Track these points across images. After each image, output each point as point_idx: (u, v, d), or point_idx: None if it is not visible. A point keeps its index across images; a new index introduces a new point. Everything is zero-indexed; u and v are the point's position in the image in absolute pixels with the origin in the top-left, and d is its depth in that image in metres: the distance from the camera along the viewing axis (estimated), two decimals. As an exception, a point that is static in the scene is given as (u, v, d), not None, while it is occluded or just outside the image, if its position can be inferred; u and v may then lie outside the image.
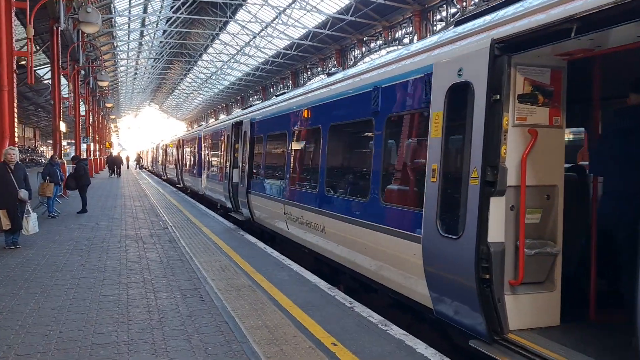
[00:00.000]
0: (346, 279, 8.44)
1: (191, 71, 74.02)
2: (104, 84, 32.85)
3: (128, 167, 59.65)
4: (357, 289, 7.94)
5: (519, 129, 4.76)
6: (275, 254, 10.24)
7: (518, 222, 4.76)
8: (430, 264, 5.43)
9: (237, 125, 15.76)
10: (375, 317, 6.27)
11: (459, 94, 5.10)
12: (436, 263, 5.32)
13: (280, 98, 11.82)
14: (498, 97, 4.68)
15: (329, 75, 9.87)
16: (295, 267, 9.06)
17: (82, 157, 19.14)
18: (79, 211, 17.42)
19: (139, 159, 66.51)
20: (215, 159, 19.43)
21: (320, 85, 9.24)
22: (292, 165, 10.37)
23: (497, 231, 4.72)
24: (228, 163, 16.17)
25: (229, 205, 16.35)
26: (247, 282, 8.00)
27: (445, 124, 5.30)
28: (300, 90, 10.44)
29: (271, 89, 63.56)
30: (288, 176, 10.37)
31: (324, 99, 8.69)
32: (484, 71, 4.70)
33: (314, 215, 8.79)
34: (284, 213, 10.49)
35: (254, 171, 13.37)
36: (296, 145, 10.46)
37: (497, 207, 4.71)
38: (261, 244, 11.31)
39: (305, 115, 9.40)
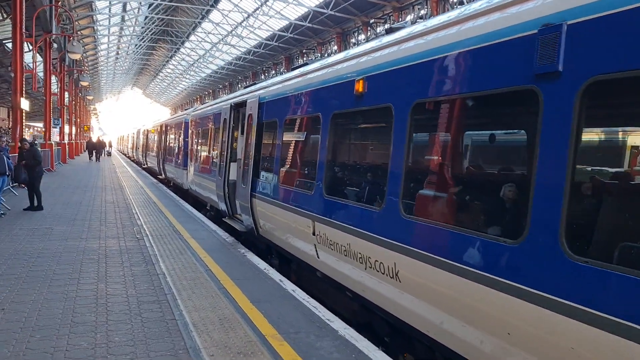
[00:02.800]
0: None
1: (177, 54, 70.00)
2: (76, 56, 28.89)
3: (110, 155, 55.16)
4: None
5: None
6: (305, 297, 6.87)
7: None
8: None
9: (238, 107, 12.32)
10: None
11: None
12: None
13: (306, 69, 8.42)
14: None
15: (390, 31, 6.51)
16: (348, 331, 5.71)
17: (32, 141, 15.48)
18: (27, 208, 13.97)
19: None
20: (207, 149, 15.95)
21: (388, 42, 5.88)
22: (329, 164, 7.03)
23: None
24: (224, 155, 12.73)
25: (222, 207, 12.94)
26: (271, 367, 4.68)
27: None
28: (346, 54, 7.06)
29: (262, 75, 59.93)
30: (322, 180, 7.01)
31: (404, 62, 5.33)
32: None
33: (378, 249, 5.50)
34: (313, 233, 7.16)
35: (263, 168, 9.97)
36: (339, 135, 7.14)
37: None
38: (276, 275, 7.94)
39: (360, 90, 6.06)
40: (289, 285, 7.39)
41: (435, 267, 4.58)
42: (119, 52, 70.16)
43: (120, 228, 11.73)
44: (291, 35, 44.94)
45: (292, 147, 8.69)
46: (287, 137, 8.70)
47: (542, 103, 3.61)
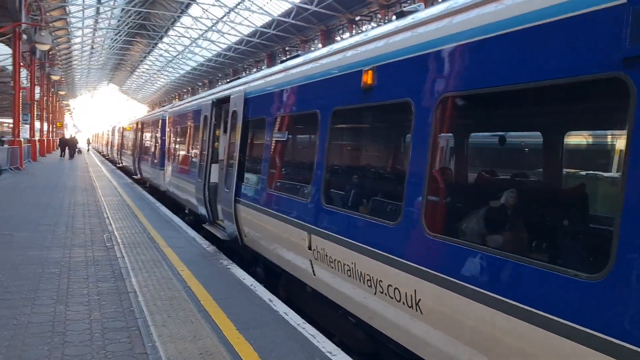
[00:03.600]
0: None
1: (155, 49, 68.37)
2: (45, 47, 27.37)
3: (88, 150, 53.16)
4: None
5: None
6: (300, 322, 5.91)
7: None
8: None
9: (220, 103, 11.31)
10: None
11: None
12: None
13: (301, 59, 7.45)
14: None
15: (400, 16, 5.58)
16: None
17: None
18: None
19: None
20: (185, 148, 14.88)
21: (406, 25, 4.95)
22: (329, 168, 6.10)
23: None
24: (204, 156, 11.70)
25: (202, 212, 11.91)
26: None
27: None
28: (351, 41, 6.09)
29: (243, 73, 58.71)
30: (321, 187, 6.07)
31: (430, 47, 4.39)
32: None
33: (392, 272, 4.59)
34: (309, 247, 6.23)
35: (248, 171, 9.00)
36: (341, 135, 6.23)
37: None
38: (264, 294, 6.97)
39: (369, 82, 5.13)
40: (280, 307, 6.44)
41: (469, 299, 3.70)
42: (94, 47, 68.20)
43: (88, 235, 10.63)
44: (274, 32, 43.88)
45: (283, 148, 7.74)
46: (278, 136, 7.73)
47: (635, 94, 2.73)
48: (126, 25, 55.65)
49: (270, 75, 8.43)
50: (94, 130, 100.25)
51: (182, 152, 15.28)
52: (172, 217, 13.74)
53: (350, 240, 5.30)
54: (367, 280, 5.01)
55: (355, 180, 5.99)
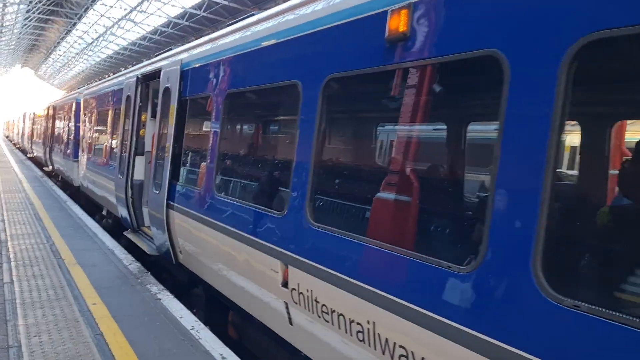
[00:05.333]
0: None
1: (73, 30, 63.21)
2: None
3: None
4: None
5: None
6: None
7: None
8: None
9: (147, 80, 9.00)
10: None
11: None
12: None
13: (272, 11, 5.29)
14: None
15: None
16: None
17: None
18: None
19: None
20: (103, 137, 12.36)
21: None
22: (320, 166, 4.07)
23: None
24: (126, 146, 9.37)
25: (123, 214, 9.59)
26: None
27: None
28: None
29: (171, 58, 55.18)
30: (307, 195, 4.04)
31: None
32: None
33: (455, 350, 2.71)
34: (285, 285, 4.23)
35: (187, 167, 6.86)
36: (344, 116, 4.29)
37: None
38: (214, 345, 4.91)
39: (402, 29, 3.17)
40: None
41: None
42: (3, 25, 62.08)
43: (-31, 249, 8.12)
44: (204, 14, 40.93)
45: (241, 138, 5.68)
46: (232, 120, 5.63)
47: None
48: (40, 2, 50.66)
49: (220, 37, 6.24)
50: (6, 118, 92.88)
51: (100, 142, 12.74)
52: (86, 220, 11.27)
53: (367, 287, 3.36)
54: (394, 350, 3.11)
55: (370, 186, 4.00)
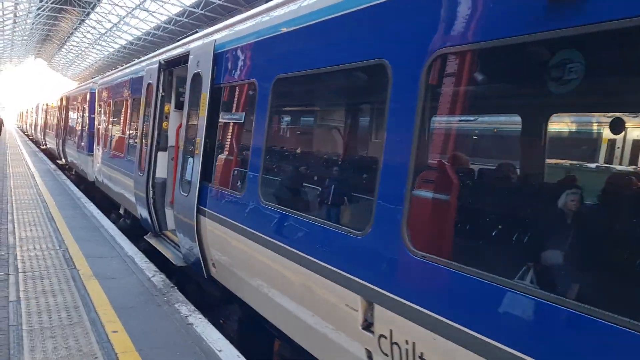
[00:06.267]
0: None
1: (86, 20, 62.49)
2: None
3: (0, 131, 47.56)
4: None
5: None
6: None
7: None
8: None
9: (171, 65, 8.00)
10: None
11: None
12: None
13: None
14: None
15: None
16: None
17: None
18: None
19: None
20: (121, 129, 11.39)
21: None
22: (418, 167, 3.06)
23: None
24: (147, 140, 8.38)
25: (143, 215, 8.63)
26: None
27: None
28: None
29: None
30: (402, 212, 3.01)
31: None
32: None
33: None
34: (367, 327, 3.20)
35: (223, 167, 5.83)
36: (467, 107, 3.25)
37: None
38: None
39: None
40: None
41: None
42: (17, 15, 61.44)
43: (-28, 256, 7.20)
44: (220, 3, 39.93)
45: (300, 133, 4.63)
46: (286, 111, 4.58)
47: None
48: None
49: (271, 10, 5.14)
50: (20, 109, 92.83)
51: (117, 134, 11.78)
52: (102, 220, 10.32)
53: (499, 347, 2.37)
54: None
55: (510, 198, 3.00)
